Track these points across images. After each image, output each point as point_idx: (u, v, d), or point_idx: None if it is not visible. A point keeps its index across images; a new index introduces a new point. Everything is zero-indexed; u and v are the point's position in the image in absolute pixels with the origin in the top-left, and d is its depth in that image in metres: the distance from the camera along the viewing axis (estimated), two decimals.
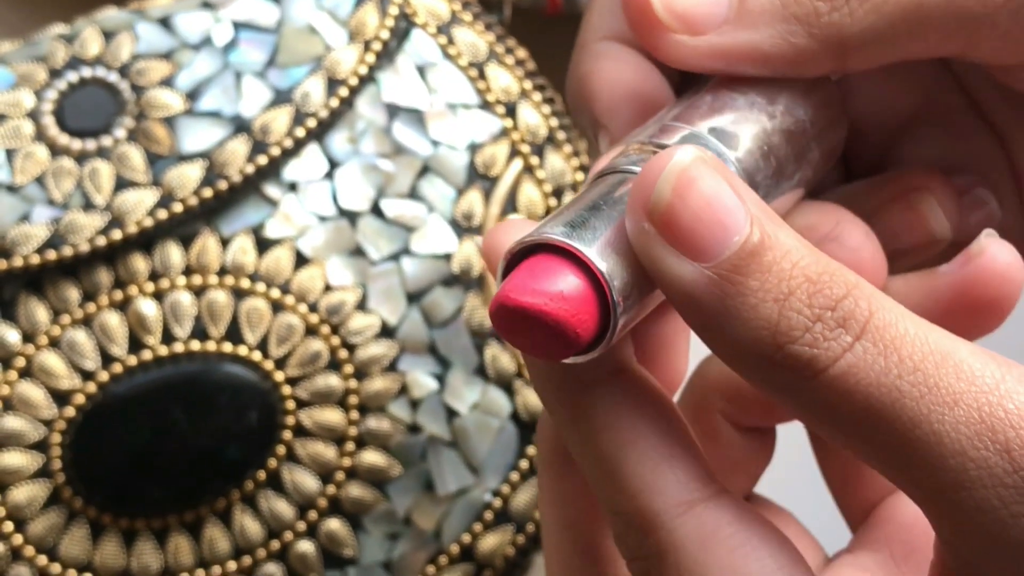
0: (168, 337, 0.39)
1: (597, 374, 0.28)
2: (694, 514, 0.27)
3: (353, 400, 0.40)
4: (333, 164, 0.41)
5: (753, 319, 0.25)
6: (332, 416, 0.40)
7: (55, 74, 0.41)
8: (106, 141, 0.40)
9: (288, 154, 0.40)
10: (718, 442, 0.34)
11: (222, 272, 0.40)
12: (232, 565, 0.40)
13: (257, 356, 0.40)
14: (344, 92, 0.41)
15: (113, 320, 0.39)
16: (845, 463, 0.35)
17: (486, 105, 0.42)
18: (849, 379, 0.25)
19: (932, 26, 0.30)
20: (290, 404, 0.40)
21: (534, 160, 0.42)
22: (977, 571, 0.25)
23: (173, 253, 0.40)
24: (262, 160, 0.40)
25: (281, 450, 0.40)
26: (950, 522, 0.25)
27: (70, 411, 0.39)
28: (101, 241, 0.39)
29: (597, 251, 0.26)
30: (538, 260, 0.26)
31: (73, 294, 0.39)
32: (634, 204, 0.26)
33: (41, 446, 0.39)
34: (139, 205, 0.39)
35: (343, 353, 0.40)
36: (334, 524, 0.40)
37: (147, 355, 0.39)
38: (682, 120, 0.30)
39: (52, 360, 0.39)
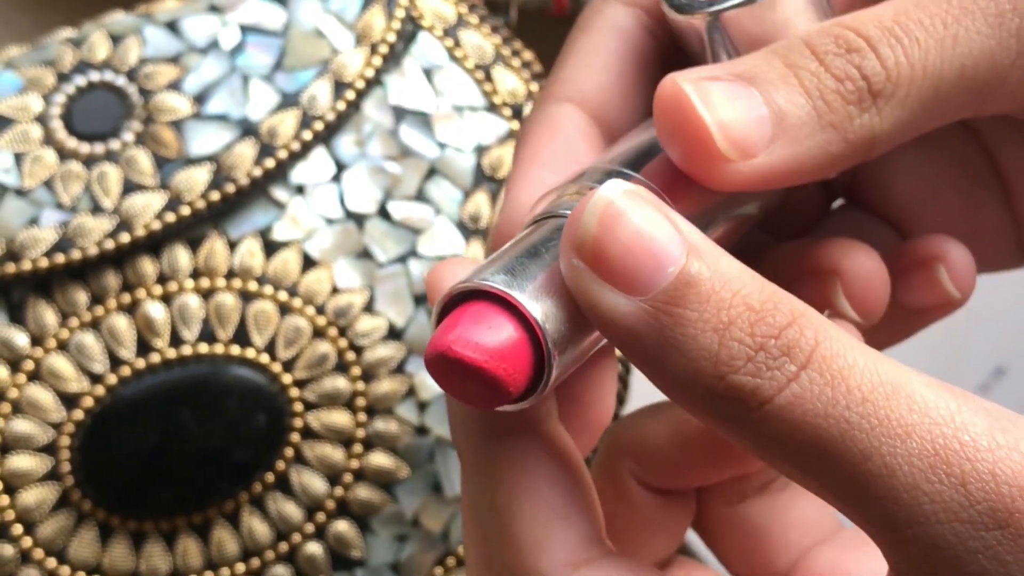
0: (176, 340, 0.40)
1: (509, 425, 0.28)
2: (578, 575, 0.27)
3: (361, 402, 0.40)
4: (340, 167, 0.41)
5: (693, 350, 0.25)
6: (340, 418, 0.40)
7: (63, 78, 0.41)
8: (114, 145, 0.40)
9: (295, 157, 0.41)
10: (631, 504, 0.33)
11: (230, 275, 0.40)
12: (241, 567, 0.40)
13: (265, 359, 0.40)
14: (351, 95, 0.41)
15: (121, 323, 0.39)
16: (742, 541, 0.34)
17: (493, 107, 0.42)
18: (795, 410, 0.24)
19: (950, 104, 0.30)
20: (298, 406, 0.40)
21: None
22: None
23: (181, 256, 0.40)
24: (269, 163, 0.40)
25: (289, 452, 0.40)
26: (905, 557, 0.25)
27: (79, 414, 0.39)
28: (109, 244, 0.39)
29: (533, 298, 0.26)
30: (475, 308, 0.26)
31: (81, 297, 0.39)
32: (565, 241, 0.25)
33: (50, 449, 0.39)
34: (147, 208, 0.40)
35: (351, 355, 0.40)
36: (342, 526, 0.40)
37: (155, 358, 0.39)
38: (618, 163, 0.29)
39: (61, 363, 0.39)
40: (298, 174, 0.41)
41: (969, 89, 0.30)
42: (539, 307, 0.26)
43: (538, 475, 0.28)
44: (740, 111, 0.29)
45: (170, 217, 0.40)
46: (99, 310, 0.39)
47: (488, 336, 0.25)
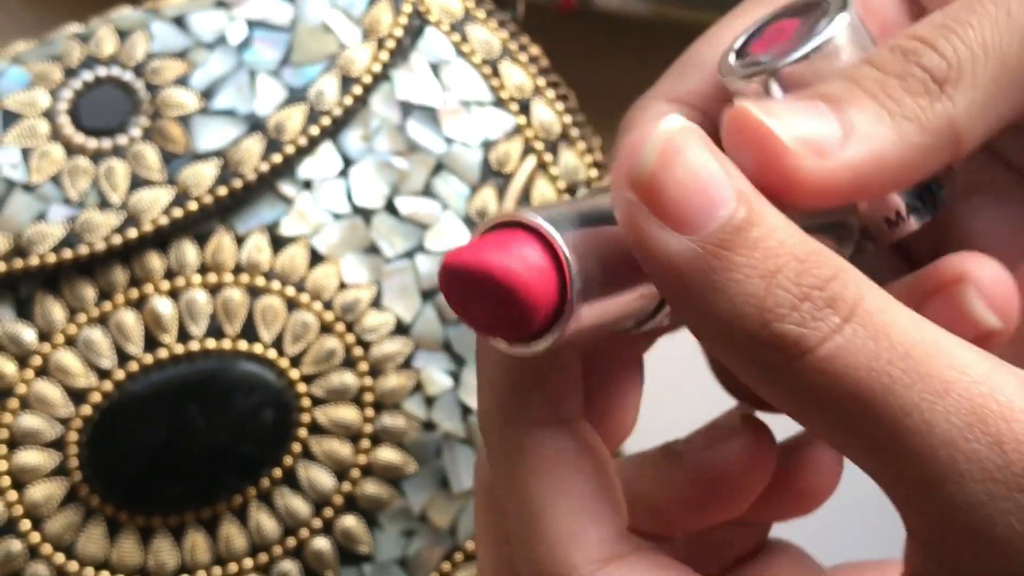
0: (184, 335, 0.40)
1: (540, 415, 0.28)
2: (607, 572, 0.27)
3: (368, 397, 0.40)
4: (347, 162, 0.41)
5: (739, 295, 0.24)
6: (347, 413, 0.40)
7: (70, 73, 0.41)
8: (121, 140, 0.40)
9: (303, 152, 0.41)
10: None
11: (237, 270, 0.40)
12: (248, 562, 0.40)
13: (272, 354, 0.40)
14: (358, 90, 0.41)
15: (129, 318, 0.39)
16: None
17: (500, 102, 0.42)
18: (838, 362, 0.24)
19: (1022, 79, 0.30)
20: (305, 401, 0.40)
21: (548, 157, 0.42)
22: (956, 572, 0.25)
23: (188, 251, 0.40)
24: (277, 158, 0.40)
25: (297, 447, 0.40)
26: (934, 518, 0.25)
27: (87, 409, 0.39)
28: (117, 240, 0.39)
29: (569, 235, 0.25)
30: (507, 232, 0.25)
31: (89, 293, 0.39)
32: (618, 173, 0.25)
33: (58, 444, 0.39)
34: (154, 204, 0.40)
35: (358, 350, 0.40)
36: (350, 521, 0.40)
37: (163, 353, 0.39)
38: None
39: (68, 359, 0.39)
40: (305, 169, 0.41)
41: None
42: (573, 245, 0.25)
43: (570, 470, 0.28)
44: (808, 119, 0.28)
45: (177, 212, 0.40)
46: (107, 305, 0.39)
47: (511, 255, 0.25)
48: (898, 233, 0.32)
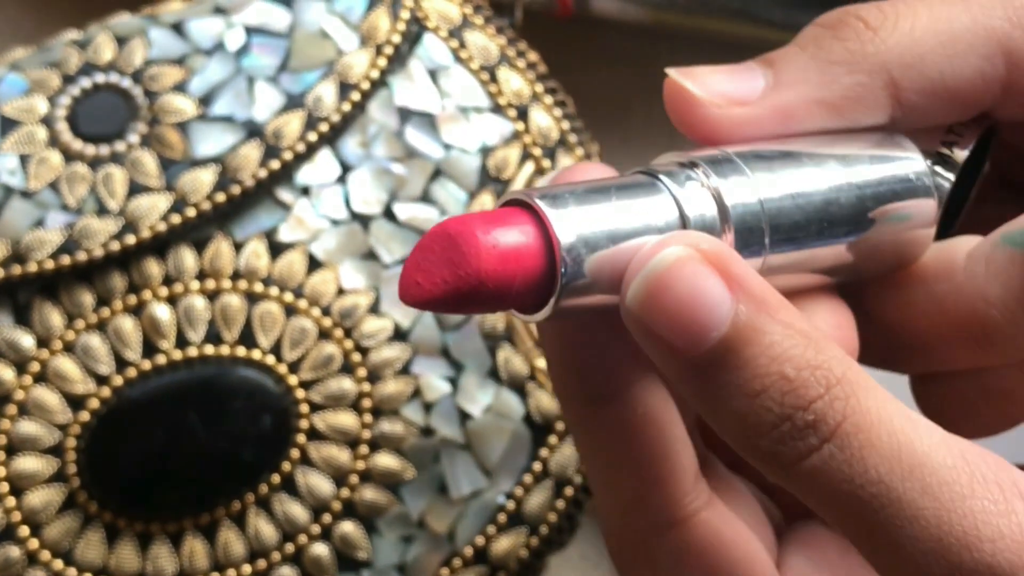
0: (182, 341, 0.40)
1: (605, 390, 0.29)
2: (670, 536, 0.30)
3: (366, 403, 0.40)
4: (345, 168, 0.41)
5: (724, 410, 0.26)
6: (346, 419, 0.40)
7: (68, 80, 0.41)
8: (119, 146, 0.40)
9: (301, 158, 0.41)
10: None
11: (235, 276, 0.40)
12: (247, 568, 0.40)
13: (271, 360, 0.40)
14: (356, 96, 0.41)
15: (127, 325, 0.39)
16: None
17: (498, 108, 0.42)
18: (816, 478, 0.26)
19: (965, 43, 0.30)
20: (304, 407, 0.40)
21: (546, 163, 0.42)
22: None
23: (187, 258, 0.40)
24: (275, 165, 0.40)
25: (295, 453, 0.40)
26: None
27: (85, 415, 0.39)
28: (115, 246, 0.39)
29: (566, 216, 0.26)
30: (507, 210, 0.27)
31: (87, 299, 0.39)
32: (622, 293, 0.26)
33: (56, 450, 0.39)
34: (152, 210, 0.40)
35: (356, 356, 0.40)
36: (348, 527, 0.40)
37: (161, 359, 0.39)
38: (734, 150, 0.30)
39: (67, 365, 0.39)
40: (303, 175, 0.41)
41: (986, 32, 0.30)
42: (567, 226, 0.26)
43: (631, 439, 0.29)
44: (730, 78, 0.30)
45: (175, 219, 0.40)
46: (105, 312, 0.40)
47: (503, 229, 0.26)
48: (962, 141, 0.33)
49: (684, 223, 0.27)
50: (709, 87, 0.30)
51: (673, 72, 0.30)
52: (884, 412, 0.26)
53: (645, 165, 0.29)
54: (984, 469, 0.26)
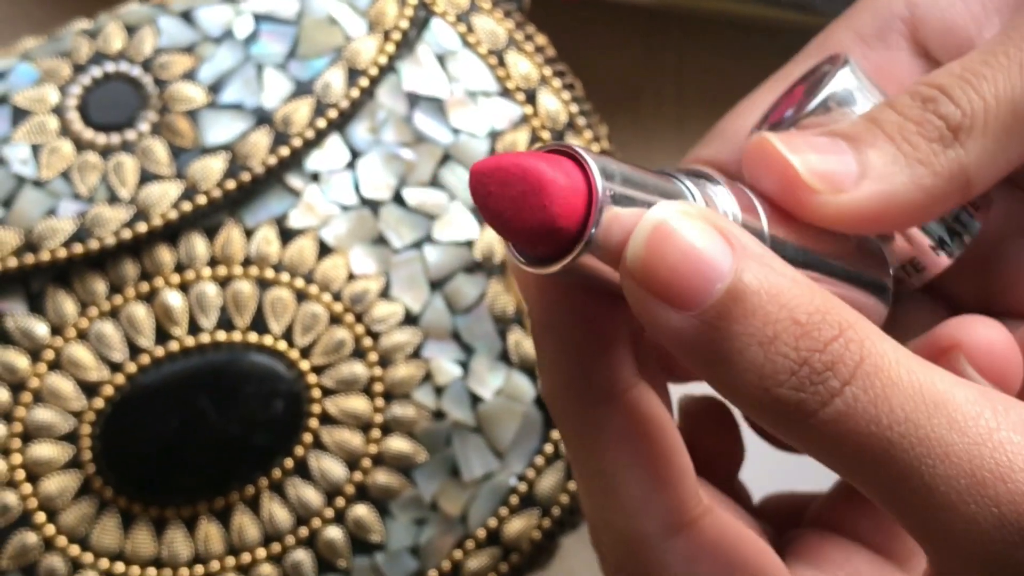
0: (194, 328, 0.40)
1: (601, 394, 0.29)
2: (680, 538, 0.29)
3: (378, 387, 0.40)
4: (355, 154, 0.41)
5: (739, 363, 0.25)
6: (358, 404, 0.40)
7: (79, 69, 0.41)
8: (130, 135, 0.41)
9: (310, 145, 0.41)
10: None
11: (246, 263, 0.40)
12: (261, 552, 0.40)
13: (282, 345, 0.40)
14: (365, 82, 0.41)
15: (140, 312, 0.40)
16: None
17: (506, 92, 0.42)
18: (840, 425, 0.25)
19: None
20: (316, 392, 0.40)
21: None
22: None
23: (198, 245, 0.40)
24: (284, 151, 0.40)
25: (308, 438, 0.40)
26: (944, 566, 0.26)
27: (99, 402, 0.39)
28: (127, 234, 0.40)
29: (610, 179, 0.26)
30: (546, 153, 0.26)
31: (100, 287, 0.40)
32: (621, 264, 0.26)
33: (71, 437, 0.39)
34: (163, 198, 0.40)
35: (367, 341, 0.40)
36: (361, 510, 0.40)
37: (174, 346, 0.40)
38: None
39: (81, 352, 0.40)
40: (313, 162, 0.41)
41: None
42: (608, 183, 0.26)
43: (639, 441, 0.29)
44: (826, 154, 0.30)
45: (186, 206, 0.40)
46: (118, 299, 0.40)
47: (550, 163, 0.26)
48: (931, 269, 0.34)
49: None
50: (808, 162, 0.30)
51: (769, 135, 0.30)
52: (900, 354, 0.26)
53: (670, 169, 0.29)
54: (1005, 403, 0.25)
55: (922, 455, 0.25)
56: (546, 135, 0.42)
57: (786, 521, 0.35)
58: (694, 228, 0.25)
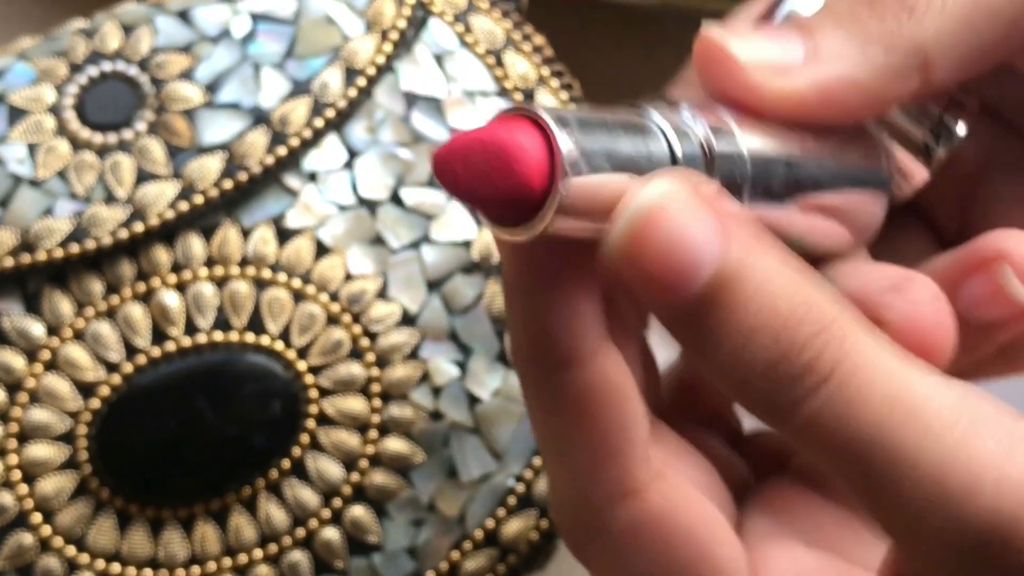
0: (191, 328, 0.40)
1: (567, 357, 0.28)
2: (622, 507, 0.28)
3: (375, 388, 0.40)
4: (352, 154, 0.41)
5: (718, 354, 0.25)
6: (355, 404, 0.40)
7: (76, 69, 0.41)
8: (127, 134, 0.40)
9: (307, 145, 0.41)
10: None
11: (243, 263, 0.40)
12: (258, 553, 0.40)
13: (280, 346, 0.40)
14: (362, 82, 0.41)
15: (136, 312, 0.40)
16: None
17: (504, 92, 0.42)
18: (815, 423, 0.25)
19: (992, 11, 0.30)
20: (313, 393, 0.40)
21: None
22: None
23: (195, 245, 0.40)
24: (281, 151, 0.40)
25: (305, 438, 0.40)
26: (906, 565, 0.26)
27: (95, 403, 0.39)
28: (123, 234, 0.39)
29: (568, 132, 0.25)
30: (508, 118, 0.26)
31: (96, 287, 0.40)
32: (602, 244, 0.26)
33: (67, 438, 0.39)
34: (160, 197, 0.40)
35: (365, 341, 0.40)
36: (358, 511, 0.40)
37: (171, 346, 0.40)
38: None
39: (77, 352, 0.39)
40: (310, 161, 0.41)
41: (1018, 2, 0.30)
42: (570, 139, 0.25)
43: (591, 407, 0.28)
44: (772, 43, 0.29)
45: (183, 206, 0.40)
46: (114, 299, 0.40)
47: (510, 132, 0.25)
48: (917, 176, 0.33)
49: (674, 159, 0.27)
50: (750, 51, 0.29)
51: (712, 29, 0.29)
52: (882, 353, 0.25)
53: (636, 101, 0.28)
54: (985, 409, 0.25)
55: (892, 460, 0.24)
56: None
57: (773, 462, 0.34)
58: (680, 213, 0.25)
